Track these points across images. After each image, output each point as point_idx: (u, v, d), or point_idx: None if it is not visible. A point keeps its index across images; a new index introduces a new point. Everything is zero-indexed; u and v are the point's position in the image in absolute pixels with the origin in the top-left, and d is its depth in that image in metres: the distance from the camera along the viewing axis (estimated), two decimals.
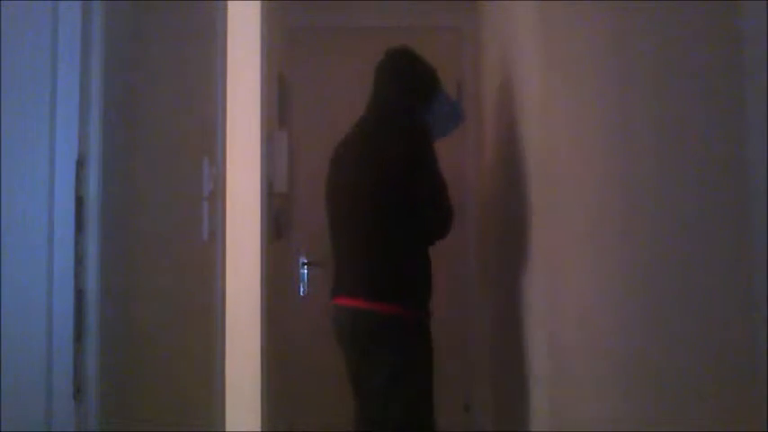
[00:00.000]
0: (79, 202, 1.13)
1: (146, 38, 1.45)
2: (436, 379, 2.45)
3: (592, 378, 1.65)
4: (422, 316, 2.38)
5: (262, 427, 2.87)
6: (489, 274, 3.53)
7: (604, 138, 1.54)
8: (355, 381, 2.46)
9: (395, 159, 2.31)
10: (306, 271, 3.83)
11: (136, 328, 1.37)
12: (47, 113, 1.11)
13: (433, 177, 2.35)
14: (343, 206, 2.44)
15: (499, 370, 3.09)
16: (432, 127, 2.48)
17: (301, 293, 3.83)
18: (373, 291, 2.32)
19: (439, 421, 2.49)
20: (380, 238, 2.33)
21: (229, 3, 2.30)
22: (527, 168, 2.45)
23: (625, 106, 1.38)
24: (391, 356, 2.31)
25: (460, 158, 3.89)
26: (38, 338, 1.09)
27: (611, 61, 1.48)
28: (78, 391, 1.11)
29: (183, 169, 1.72)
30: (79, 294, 1.12)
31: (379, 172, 2.32)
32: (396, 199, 2.31)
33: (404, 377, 2.31)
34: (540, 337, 2.22)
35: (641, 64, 1.29)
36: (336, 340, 2.50)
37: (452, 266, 3.85)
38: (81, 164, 1.13)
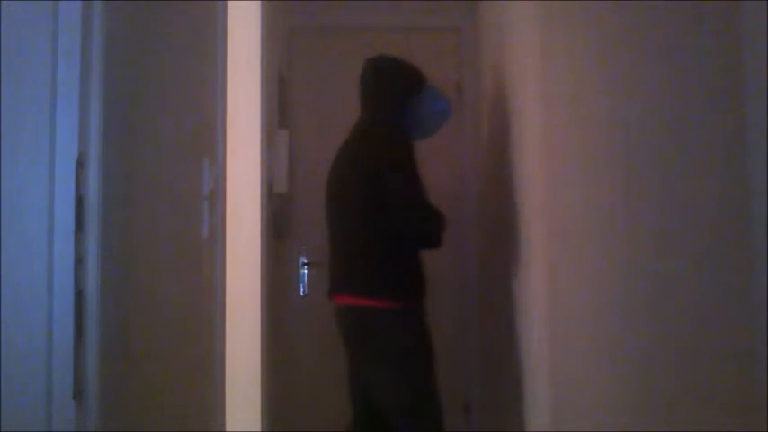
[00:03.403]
0: (79, 202, 1.13)
1: (146, 38, 1.45)
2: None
3: (591, 378, 1.65)
4: (413, 307, 2.44)
5: (262, 427, 2.87)
6: (489, 274, 3.53)
7: (604, 137, 1.54)
8: (353, 378, 2.57)
9: (373, 160, 2.40)
10: (306, 271, 3.83)
11: (136, 329, 1.37)
12: (47, 113, 1.11)
13: (409, 179, 2.39)
14: (335, 207, 2.55)
15: (498, 370, 3.09)
16: (419, 125, 2.57)
17: (301, 293, 3.83)
18: (359, 287, 2.42)
19: None
20: (363, 237, 2.42)
21: (229, 3, 2.30)
22: (526, 168, 2.45)
23: (625, 106, 1.38)
24: (386, 349, 2.40)
25: (459, 158, 3.88)
26: (38, 338, 1.09)
27: (611, 61, 1.48)
28: (78, 392, 1.11)
29: (183, 169, 1.72)
30: (79, 294, 1.12)
31: (360, 174, 2.41)
32: (374, 199, 2.39)
33: (403, 368, 2.40)
34: (539, 337, 2.22)
35: (641, 64, 1.29)
36: (341, 339, 2.59)
37: (452, 266, 3.85)
38: (81, 164, 1.13)
